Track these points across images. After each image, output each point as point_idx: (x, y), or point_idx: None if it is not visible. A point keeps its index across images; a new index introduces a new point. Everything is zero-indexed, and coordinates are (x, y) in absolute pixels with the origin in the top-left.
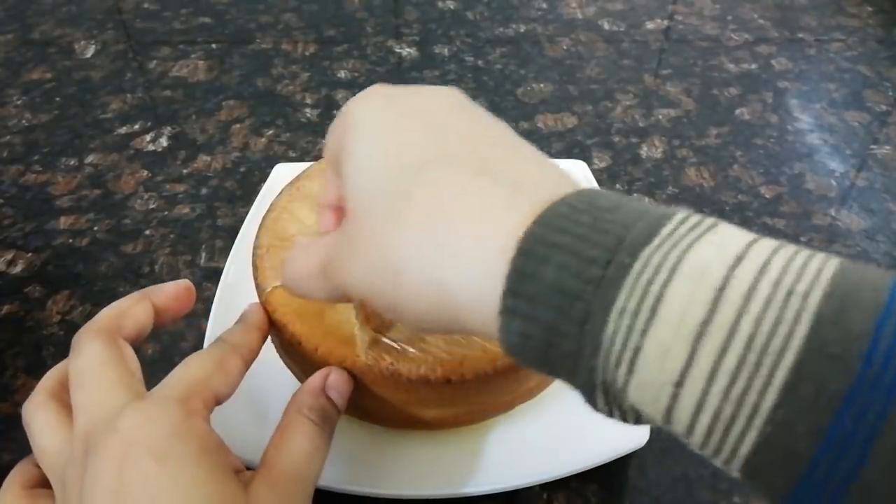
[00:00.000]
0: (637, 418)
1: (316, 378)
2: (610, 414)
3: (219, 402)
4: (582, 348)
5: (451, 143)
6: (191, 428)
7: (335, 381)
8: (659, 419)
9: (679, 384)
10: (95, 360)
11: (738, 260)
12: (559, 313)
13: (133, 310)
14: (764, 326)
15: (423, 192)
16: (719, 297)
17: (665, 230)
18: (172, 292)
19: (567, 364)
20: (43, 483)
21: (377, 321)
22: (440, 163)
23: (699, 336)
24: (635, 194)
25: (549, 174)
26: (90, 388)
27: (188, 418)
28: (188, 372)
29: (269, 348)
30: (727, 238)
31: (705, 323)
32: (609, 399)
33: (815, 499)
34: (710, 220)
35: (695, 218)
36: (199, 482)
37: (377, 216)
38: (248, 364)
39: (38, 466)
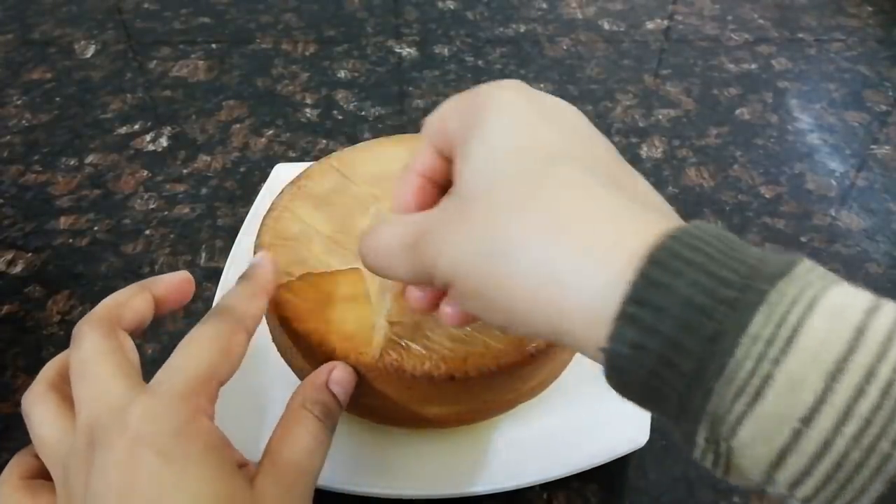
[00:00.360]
0: (727, 468)
1: (320, 372)
2: (702, 457)
3: (222, 384)
4: (704, 368)
5: (584, 149)
6: (197, 427)
7: (339, 377)
8: (764, 463)
9: (807, 421)
10: (95, 351)
11: (874, 309)
12: (685, 329)
13: (133, 301)
14: None
15: (553, 185)
16: (859, 337)
17: (798, 270)
18: (172, 283)
19: (674, 388)
20: (42, 474)
21: (404, 320)
22: (574, 163)
23: (836, 373)
24: None
25: (665, 204)
26: (91, 379)
27: (194, 417)
28: (192, 362)
29: (269, 346)
30: (857, 291)
31: (844, 360)
32: (712, 435)
33: None
34: (834, 275)
35: (823, 268)
36: (206, 480)
37: (498, 199)
38: (251, 335)
39: (36, 457)
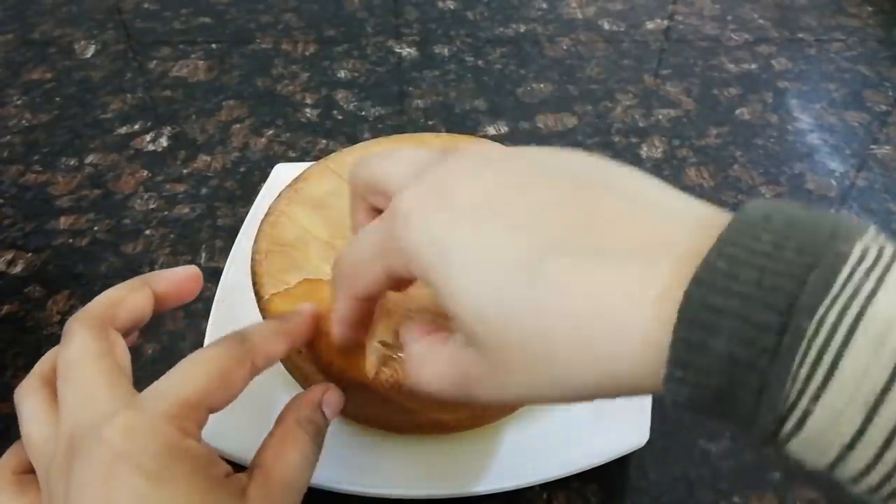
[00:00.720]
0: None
1: (315, 392)
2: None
3: (213, 412)
4: (756, 412)
5: (555, 223)
6: (186, 448)
7: (332, 400)
8: (821, 467)
9: (850, 447)
10: (84, 353)
11: None
12: (732, 383)
13: (130, 298)
14: None
15: (552, 296)
16: None
17: (841, 277)
18: (176, 280)
19: (738, 415)
20: (33, 468)
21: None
22: (554, 253)
23: (876, 405)
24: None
25: (681, 224)
26: (76, 383)
27: (182, 439)
28: (187, 382)
29: None
30: None
31: (884, 391)
32: (773, 446)
33: None
34: (888, 252)
35: (873, 249)
36: (195, 502)
37: (514, 333)
38: (257, 373)
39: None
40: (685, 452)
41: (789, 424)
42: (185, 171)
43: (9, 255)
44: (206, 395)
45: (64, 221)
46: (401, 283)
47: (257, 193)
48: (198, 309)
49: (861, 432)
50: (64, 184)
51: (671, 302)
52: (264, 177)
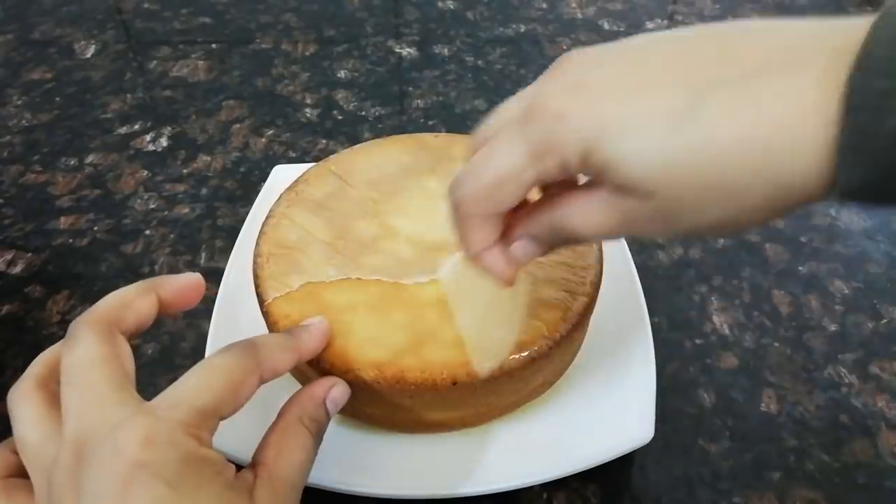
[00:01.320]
0: None
1: (319, 387)
2: None
3: (223, 419)
4: None
5: (696, 66)
6: (203, 456)
7: (337, 395)
8: None
9: None
10: (88, 356)
11: None
12: None
13: (137, 302)
14: None
15: (718, 127)
16: None
17: None
18: (180, 287)
19: None
20: (21, 472)
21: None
22: (709, 89)
23: None
24: None
25: (821, 30)
26: (81, 388)
27: (199, 448)
28: (202, 392)
29: None
30: None
31: None
32: None
33: None
34: None
35: None
36: None
37: (689, 174)
38: (264, 382)
39: (15, 453)
40: (685, 452)
41: None
42: (185, 171)
43: (9, 255)
44: (220, 405)
45: (64, 221)
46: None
47: (257, 193)
48: (198, 310)
49: None
50: (64, 184)
51: (833, 97)
52: (264, 177)
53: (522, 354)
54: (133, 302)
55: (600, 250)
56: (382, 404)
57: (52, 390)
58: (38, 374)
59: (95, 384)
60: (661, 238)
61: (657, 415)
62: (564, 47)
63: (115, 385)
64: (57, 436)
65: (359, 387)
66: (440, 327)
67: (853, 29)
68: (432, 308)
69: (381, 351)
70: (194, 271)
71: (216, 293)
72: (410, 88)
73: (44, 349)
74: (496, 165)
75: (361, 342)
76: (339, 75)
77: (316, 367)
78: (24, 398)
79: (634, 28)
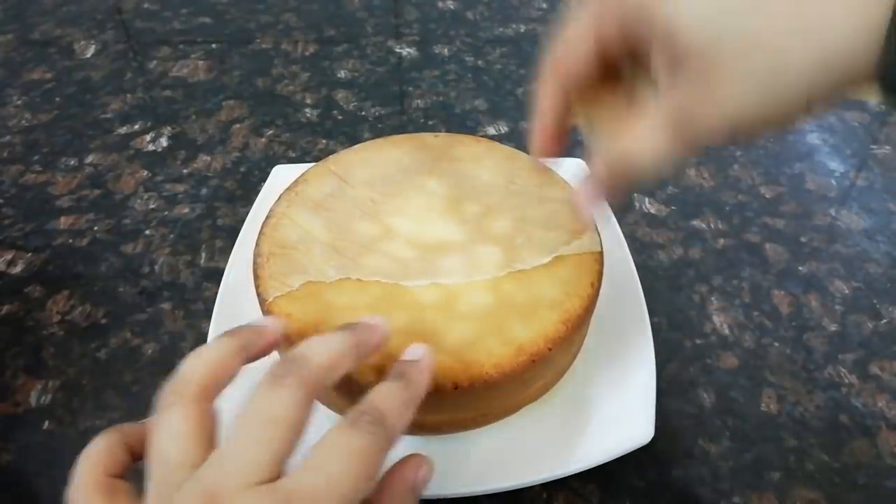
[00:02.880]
0: None
1: (409, 470)
2: None
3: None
4: None
5: None
6: None
7: (426, 476)
8: None
9: None
10: (287, 414)
11: None
12: None
13: (232, 368)
14: None
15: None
16: None
17: None
18: (270, 347)
19: None
20: (126, 472)
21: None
22: None
23: None
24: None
25: None
26: (247, 445)
27: None
28: (343, 480)
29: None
30: None
31: None
32: None
33: None
34: None
35: None
36: None
37: (736, 35)
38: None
39: (126, 451)
40: (685, 452)
41: None
42: (185, 171)
43: (9, 255)
44: (363, 492)
45: (64, 221)
46: (609, 62)
47: (257, 193)
48: (198, 310)
49: None
50: (64, 184)
51: None
52: (264, 177)
53: (521, 358)
54: (229, 368)
55: (600, 250)
56: None
57: (209, 414)
58: (202, 381)
59: (263, 447)
60: (707, 142)
61: (657, 415)
62: None
63: (272, 457)
64: (195, 468)
65: (360, 390)
66: (441, 330)
67: None
68: (433, 311)
69: (382, 354)
70: (194, 271)
71: (216, 293)
72: (410, 88)
73: (44, 349)
74: (565, 29)
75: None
76: (339, 75)
77: None
78: (183, 408)
79: None
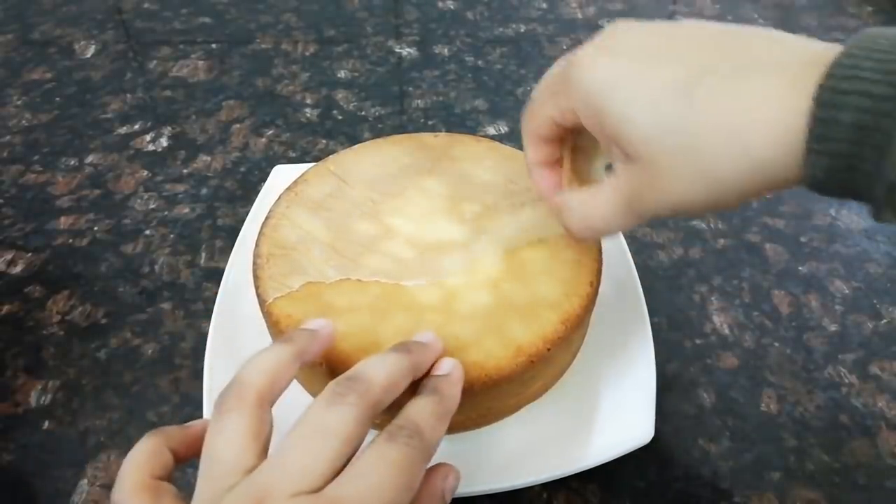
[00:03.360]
0: None
1: (437, 478)
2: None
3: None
4: (881, 169)
5: (703, 54)
6: None
7: (452, 485)
8: None
9: None
10: (339, 428)
11: None
12: (861, 144)
13: (288, 374)
14: None
15: (706, 106)
16: None
17: None
18: (321, 349)
19: (864, 177)
20: (170, 474)
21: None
22: (705, 75)
23: None
24: None
25: (808, 45)
26: (303, 453)
27: None
28: (383, 494)
29: None
30: None
31: None
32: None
33: None
34: None
35: None
36: None
37: (673, 142)
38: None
39: (172, 452)
40: (685, 452)
41: None
42: (185, 171)
43: (9, 255)
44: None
45: (64, 221)
46: (565, 131)
47: (257, 193)
48: (198, 310)
49: None
50: (64, 184)
51: (806, 96)
52: (264, 177)
53: (521, 359)
54: (286, 376)
55: (600, 251)
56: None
57: (265, 421)
58: (260, 388)
59: (316, 456)
60: (654, 218)
61: (657, 415)
62: (564, 47)
63: (329, 466)
64: (247, 471)
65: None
66: (441, 331)
67: (834, 47)
68: (433, 311)
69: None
70: (194, 271)
71: (216, 293)
72: (410, 88)
73: (44, 349)
74: (534, 94)
75: (363, 345)
76: (339, 75)
77: (317, 368)
78: (242, 414)
79: None
